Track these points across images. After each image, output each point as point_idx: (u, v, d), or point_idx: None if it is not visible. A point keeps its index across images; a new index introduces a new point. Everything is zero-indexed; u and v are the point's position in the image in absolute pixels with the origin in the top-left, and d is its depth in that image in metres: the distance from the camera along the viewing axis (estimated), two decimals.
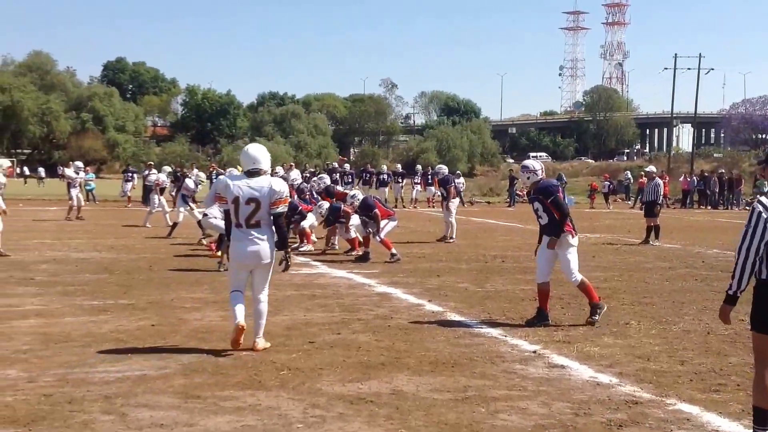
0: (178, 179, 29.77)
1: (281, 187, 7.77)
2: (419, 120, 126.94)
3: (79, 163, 30.76)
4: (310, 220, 17.32)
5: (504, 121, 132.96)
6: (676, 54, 63.24)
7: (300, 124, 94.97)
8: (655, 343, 8.41)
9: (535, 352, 7.89)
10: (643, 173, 25.59)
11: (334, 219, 16.45)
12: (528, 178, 9.64)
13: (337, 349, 7.90)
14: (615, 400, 6.32)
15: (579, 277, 9.40)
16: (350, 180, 36.14)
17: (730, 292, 5.35)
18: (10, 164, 17.66)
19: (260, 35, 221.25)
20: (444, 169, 21.47)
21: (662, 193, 22.11)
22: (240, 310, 7.81)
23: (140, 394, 6.27)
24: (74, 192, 26.23)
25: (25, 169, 70.74)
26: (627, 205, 42.83)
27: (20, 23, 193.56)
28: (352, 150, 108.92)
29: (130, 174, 38.91)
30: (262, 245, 7.76)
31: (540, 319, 9.35)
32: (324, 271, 14.00)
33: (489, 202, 45.94)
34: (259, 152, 7.86)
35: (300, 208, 16.67)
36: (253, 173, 7.73)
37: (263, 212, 7.68)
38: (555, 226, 9.29)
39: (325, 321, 9.38)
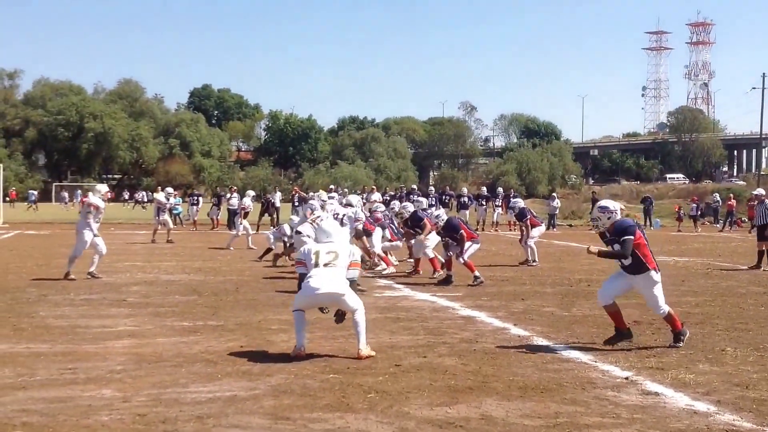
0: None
1: None
2: (499, 143, 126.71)
3: (170, 189, 31.65)
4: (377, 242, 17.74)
5: (585, 143, 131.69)
6: (764, 73, 61.95)
7: (380, 148, 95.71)
8: (754, 370, 8.13)
9: (627, 378, 7.70)
10: (753, 195, 24.99)
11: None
12: (608, 218, 9.28)
13: (423, 372, 7.86)
14: (714, 429, 6.13)
15: (666, 309, 9.24)
16: (433, 203, 36.18)
17: None
18: (108, 189, 18.16)
19: (340, 61, 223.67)
20: (520, 203, 20.81)
21: None
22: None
23: (231, 414, 6.32)
24: (163, 216, 26.90)
25: (138, 195, 72.35)
26: (715, 228, 41.85)
27: (110, 52, 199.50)
28: (431, 173, 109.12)
29: (195, 198, 39.60)
30: None
31: (620, 337, 9.19)
32: (407, 294, 13.99)
33: (571, 225, 45.40)
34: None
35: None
36: None
37: None
38: (639, 265, 9.10)
39: (410, 344, 9.34)
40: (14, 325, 10.27)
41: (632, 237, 9.03)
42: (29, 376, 7.49)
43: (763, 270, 18.99)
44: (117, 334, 9.69)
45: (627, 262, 9.16)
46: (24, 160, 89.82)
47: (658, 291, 9.24)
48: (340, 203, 19.72)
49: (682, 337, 9.22)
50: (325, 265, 8.53)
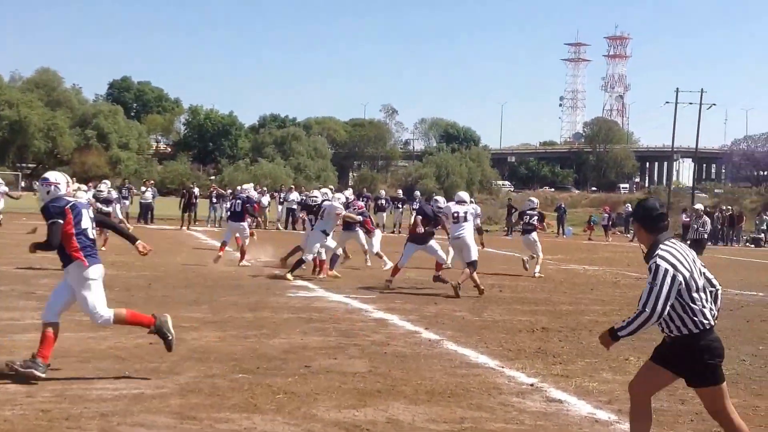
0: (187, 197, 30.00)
1: None
2: (419, 146, 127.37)
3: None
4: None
5: (503, 149, 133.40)
6: (677, 88, 63.44)
7: (300, 147, 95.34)
8: None
9: (532, 385, 7.87)
10: (687, 209, 25.62)
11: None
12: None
13: (333, 374, 7.90)
14: None
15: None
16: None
17: (620, 333, 5.26)
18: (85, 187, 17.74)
19: (263, 57, 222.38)
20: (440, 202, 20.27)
21: (708, 230, 22.15)
22: None
23: (136, 413, 6.28)
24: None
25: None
26: (626, 238, 42.78)
27: (28, 40, 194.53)
28: (351, 174, 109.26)
29: (126, 191, 38.05)
30: None
31: None
32: (321, 295, 14.01)
33: (486, 231, 45.87)
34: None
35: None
36: None
37: None
38: None
39: (321, 345, 9.38)
40: None
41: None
42: None
43: None
44: (24, 328, 9.53)
45: None
46: None
47: None
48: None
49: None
50: None
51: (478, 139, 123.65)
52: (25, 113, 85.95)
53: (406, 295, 14.29)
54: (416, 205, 38.61)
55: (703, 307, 5.13)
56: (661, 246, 5.19)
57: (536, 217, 20.31)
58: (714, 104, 65.58)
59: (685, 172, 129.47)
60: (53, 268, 15.80)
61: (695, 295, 5.10)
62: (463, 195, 16.10)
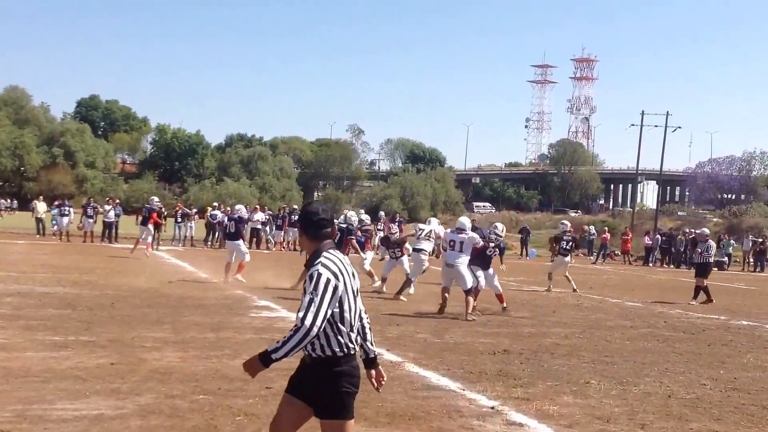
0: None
1: None
2: (384, 166, 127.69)
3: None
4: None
5: (468, 170, 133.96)
6: (643, 111, 63.99)
7: (266, 166, 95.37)
8: (615, 404, 8.40)
9: (493, 408, 7.90)
10: (695, 233, 25.76)
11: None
12: None
13: None
14: None
15: None
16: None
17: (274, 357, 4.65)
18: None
19: (231, 77, 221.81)
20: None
21: (714, 254, 22.08)
22: None
23: None
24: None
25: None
26: (589, 261, 43.06)
27: None
28: (316, 193, 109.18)
29: (65, 208, 36.64)
30: None
31: None
32: (284, 315, 14.00)
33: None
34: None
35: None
36: None
37: None
38: None
39: (282, 366, 9.29)
40: None
41: None
42: None
43: (690, 303, 19.90)
44: None
45: None
46: None
47: None
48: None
49: None
50: None
51: (444, 159, 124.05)
52: None
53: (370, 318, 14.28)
54: (380, 226, 38.94)
55: (351, 330, 4.68)
56: (324, 254, 4.69)
57: (572, 242, 21.88)
58: (679, 127, 65.79)
59: (649, 194, 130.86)
60: (16, 286, 15.70)
61: (347, 315, 4.65)
62: (465, 221, 16.31)
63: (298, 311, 4.51)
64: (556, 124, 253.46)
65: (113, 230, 35.30)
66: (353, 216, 20.61)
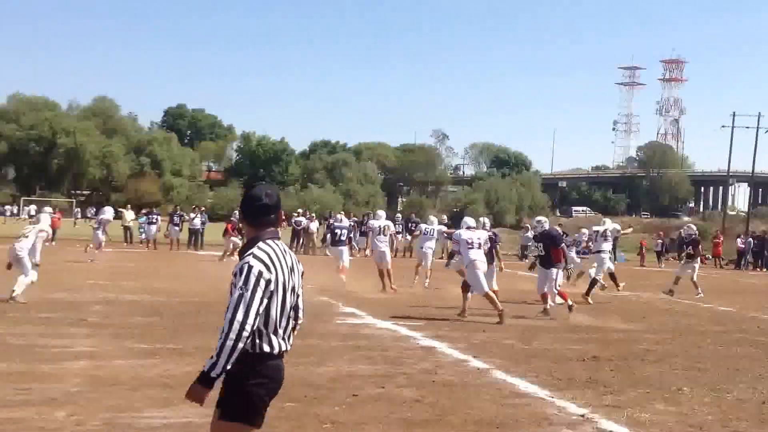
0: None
1: None
2: (469, 171, 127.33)
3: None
4: None
5: (554, 174, 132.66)
6: (734, 112, 62.58)
7: (350, 172, 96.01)
8: (708, 411, 8.16)
9: (583, 416, 7.73)
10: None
11: None
12: None
13: (380, 403, 7.85)
14: None
15: None
16: (399, 229, 36.35)
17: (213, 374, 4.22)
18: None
19: (315, 83, 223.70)
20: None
21: None
22: None
23: None
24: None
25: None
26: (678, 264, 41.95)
27: (86, 69, 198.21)
28: (400, 199, 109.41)
29: (153, 217, 37.03)
30: None
31: None
32: (369, 322, 13.96)
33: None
34: None
35: None
36: None
37: None
38: None
39: (369, 373, 9.33)
40: None
41: None
42: None
43: None
44: (75, 355, 9.61)
45: None
46: None
47: None
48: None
49: None
50: None
51: (530, 163, 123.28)
52: (82, 141, 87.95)
53: (453, 323, 14.20)
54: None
55: (274, 332, 4.27)
56: (260, 244, 4.28)
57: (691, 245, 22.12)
58: None
59: (740, 196, 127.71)
60: (105, 294, 16.01)
61: (272, 313, 4.25)
62: (469, 221, 15.93)
63: (226, 311, 4.13)
64: (644, 127, 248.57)
65: (199, 238, 35.93)
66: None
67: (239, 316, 4.09)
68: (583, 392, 8.78)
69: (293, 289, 4.40)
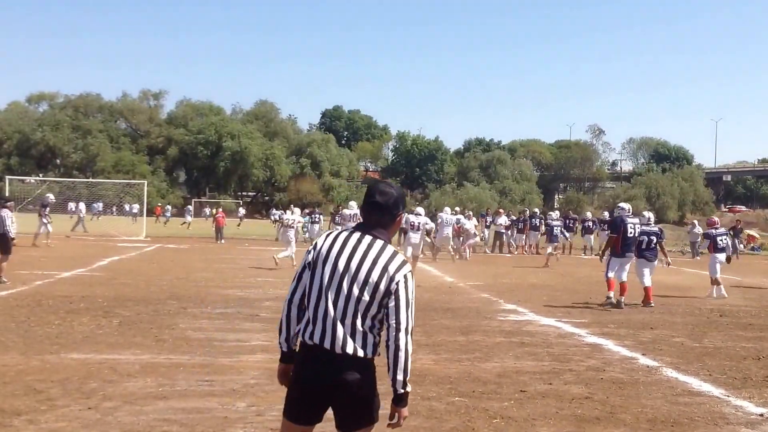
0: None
1: None
2: (627, 166, 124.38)
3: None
4: None
5: (718, 168, 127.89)
6: None
7: (505, 170, 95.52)
8: None
9: (762, 415, 7.51)
10: None
11: None
12: None
13: (549, 399, 7.85)
14: None
15: None
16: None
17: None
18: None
19: (469, 82, 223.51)
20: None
21: None
22: None
23: None
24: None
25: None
26: None
27: (249, 74, 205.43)
28: (557, 196, 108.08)
29: (316, 216, 39.07)
30: None
31: None
32: (532, 318, 13.91)
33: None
34: None
35: None
36: None
37: None
38: None
39: (535, 370, 9.33)
40: (156, 336, 10.73)
41: None
42: (170, 386, 7.84)
43: None
44: (251, 349, 10.01)
45: None
46: (166, 177, 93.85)
47: None
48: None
49: None
50: None
51: (691, 157, 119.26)
52: (246, 144, 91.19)
53: (618, 320, 13.97)
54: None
55: (303, 314, 4.19)
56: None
57: None
58: None
59: None
60: (275, 290, 16.55)
61: (299, 292, 4.19)
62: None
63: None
64: None
65: None
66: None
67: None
68: (761, 391, 8.52)
69: (334, 270, 4.11)
